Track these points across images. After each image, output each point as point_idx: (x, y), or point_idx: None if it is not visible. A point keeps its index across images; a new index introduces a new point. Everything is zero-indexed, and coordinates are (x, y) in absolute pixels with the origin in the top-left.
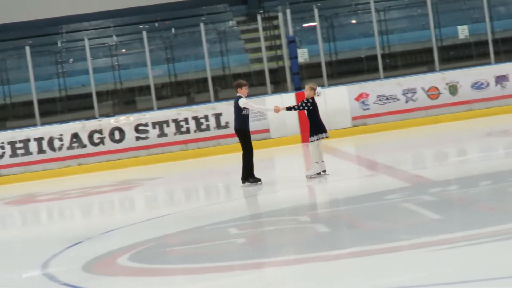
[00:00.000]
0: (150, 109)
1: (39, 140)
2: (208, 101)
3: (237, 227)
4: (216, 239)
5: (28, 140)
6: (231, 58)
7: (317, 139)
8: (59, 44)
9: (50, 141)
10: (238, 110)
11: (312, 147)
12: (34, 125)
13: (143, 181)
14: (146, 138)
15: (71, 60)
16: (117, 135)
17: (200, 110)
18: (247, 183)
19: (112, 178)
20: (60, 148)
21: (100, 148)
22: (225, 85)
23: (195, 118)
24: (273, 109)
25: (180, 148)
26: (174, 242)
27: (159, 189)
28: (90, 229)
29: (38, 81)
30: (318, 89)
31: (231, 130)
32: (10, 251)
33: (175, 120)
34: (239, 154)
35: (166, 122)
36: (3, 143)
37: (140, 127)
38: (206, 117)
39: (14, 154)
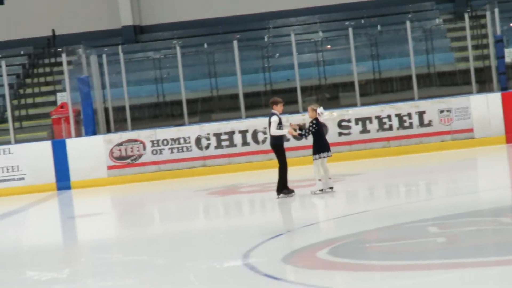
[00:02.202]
0: (354, 105)
1: (243, 132)
2: (412, 99)
3: (437, 226)
4: (415, 237)
5: (233, 132)
6: (436, 56)
7: (319, 158)
8: (265, 39)
9: (254, 134)
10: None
11: (315, 165)
12: (239, 117)
13: (344, 176)
14: (349, 134)
15: (277, 54)
16: None
17: (403, 107)
18: (282, 195)
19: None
20: (263, 141)
21: (303, 142)
22: (430, 83)
23: (398, 115)
24: (287, 132)
25: (383, 145)
26: (373, 238)
27: (360, 185)
28: (291, 222)
29: (244, 75)
30: (320, 109)
31: (435, 128)
32: (213, 241)
33: (378, 117)
34: (441, 153)
35: (369, 118)
36: (208, 134)
37: (343, 123)
38: (409, 115)
39: (219, 146)
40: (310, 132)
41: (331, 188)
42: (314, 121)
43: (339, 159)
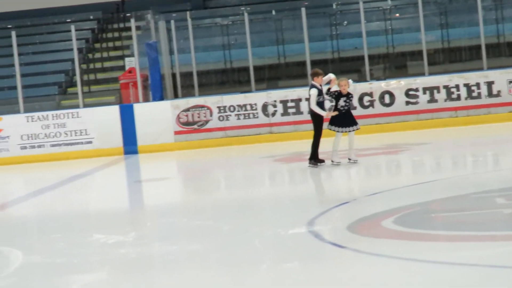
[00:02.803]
0: (421, 74)
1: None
2: (481, 69)
3: (505, 197)
4: (482, 208)
5: (300, 99)
6: (506, 26)
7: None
8: (334, 7)
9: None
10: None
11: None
12: (306, 85)
13: (411, 146)
14: (416, 103)
15: (345, 22)
16: (387, 99)
17: (471, 77)
18: (310, 165)
19: (380, 141)
20: (330, 109)
21: (370, 110)
22: (499, 53)
23: (466, 85)
24: (325, 115)
25: (450, 115)
26: (439, 208)
27: (427, 154)
28: (356, 190)
29: (311, 42)
30: (350, 81)
31: (503, 99)
32: (278, 207)
33: (446, 87)
34: (509, 124)
35: (437, 88)
36: (275, 101)
37: (411, 92)
38: (477, 85)
39: (285, 113)
40: (346, 108)
41: (338, 163)
42: (351, 96)
43: (406, 128)
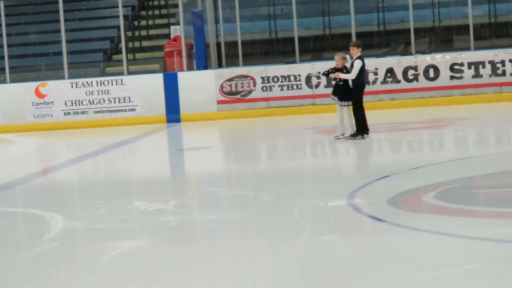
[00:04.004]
0: (467, 49)
1: None
2: None
3: None
4: None
5: None
6: None
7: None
8: None
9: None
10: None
11: (347, 110)
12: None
13: (455, 120)
14: (461, 78)
15: None
16: (431, 73)
17: None
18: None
19: (424, 115)
20: (374, 82)
21: (414, 84)
22: None
23: None
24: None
25: (495, 91)
26: (480, 184)
27: (470, 130)
28: (398, 164)
29: (357, 14)
30: (348, 57)
31: None
32: (319, 179)
33: (491, 62)
34: None
35: (482, 63)
36: (319, 73)
37: (456, 67)
38: None
39: (329, 85)
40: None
41: (343, 135)
42: (345, 70)
43: (450, 103)
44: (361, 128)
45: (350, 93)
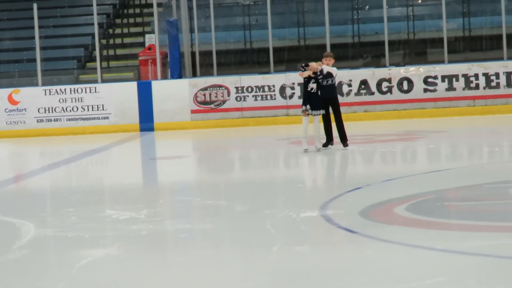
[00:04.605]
0: (441, 62)
1: None
2: (501, 59)
3: None
4: (496, 198)
5: None
6: None
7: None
8: None
9: (339, 86)
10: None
11: (316, 120)
12: None
13: (428, 133)
14: (434, 90)
15: (367, 7)
16: (405, 85)
17: (491, 66)
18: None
19: (397, 127)
20: (348, 94)
21: (388, 96)
22: None
23: (485, 74)
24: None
25: (468, 104)
26: (452, 197)
27: (443, 142)
28: (371, 176)
29: (332, 26)
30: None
31: None
32: (291, 190)
33: (465, 75)
34: None
35: (456, 76)
36: (293, 83)
37: (429, 79)
38: (497, 75)
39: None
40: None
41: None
42: (314, 78)
43: (424, 116)
44: (330, 137)
45: (322, 102)
